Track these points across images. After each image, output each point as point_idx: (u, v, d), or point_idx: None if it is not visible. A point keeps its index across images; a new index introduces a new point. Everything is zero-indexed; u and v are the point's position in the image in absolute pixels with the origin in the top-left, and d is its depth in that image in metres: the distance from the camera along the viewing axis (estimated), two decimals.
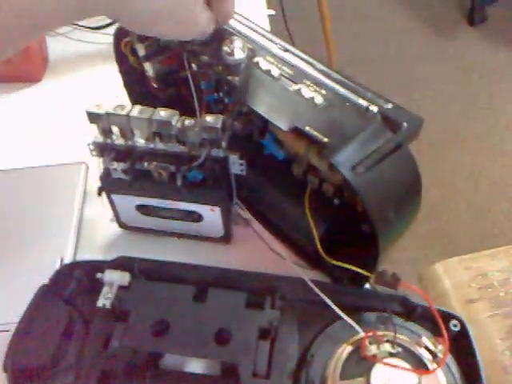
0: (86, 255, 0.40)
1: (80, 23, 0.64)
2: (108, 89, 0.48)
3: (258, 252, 0.39)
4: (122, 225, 0.42)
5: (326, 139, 0.29)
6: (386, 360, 0.29)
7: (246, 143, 0.38)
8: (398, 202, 0.30)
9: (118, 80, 0.45)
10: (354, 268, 0.32)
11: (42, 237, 0.40)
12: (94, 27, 0.64)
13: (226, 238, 0.40)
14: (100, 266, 0.35)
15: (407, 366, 0.29)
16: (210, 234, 0.40)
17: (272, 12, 0.67)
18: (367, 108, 0.31)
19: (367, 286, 0.34)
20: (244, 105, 0.35)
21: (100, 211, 0.42)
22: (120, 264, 0.35)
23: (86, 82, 0.57)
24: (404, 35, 1.57)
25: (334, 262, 0.33)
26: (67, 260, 0.39)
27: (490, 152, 1.28)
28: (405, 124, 0.31)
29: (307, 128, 0.30)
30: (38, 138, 0.51)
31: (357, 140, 0.29)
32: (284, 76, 0.33)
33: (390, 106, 0.32)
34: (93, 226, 0.43)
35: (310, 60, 0.35)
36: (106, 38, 0.61)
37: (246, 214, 0.41)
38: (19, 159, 0.47)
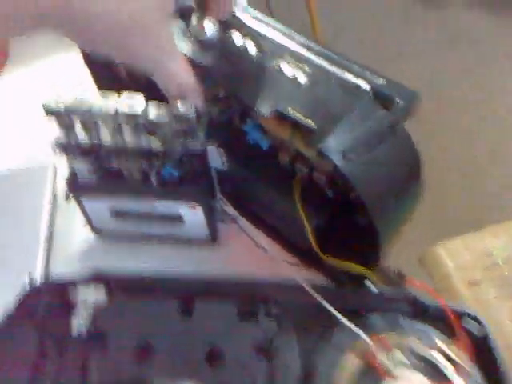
0: (58, 268, 0.37)
1: None
2: (74, 77, 0.44)
3: (248, 251, 0.36)
4: (95, 230, 0.38)
5: (311, 122, 0.26)
6: (397, 373, 0.26)
7: (225, 132, 0.34)
8: (397, 189, 0.27)
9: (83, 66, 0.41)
10: (352, 266, 0.28)
11: (7, 251, 0.37)
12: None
13: (212, 239, 0.37)
14: (72, 282, 0.32)
15: (421, 377, 0.25)
16: (193, 235, 0.37)
17: None
18: (357, 85, 0.27)
19: (369, 284, 0.30)
20: (219, 88, 0.31)
21: (72, 217, 0.38)
22: (95, 279, 0.32)
23: (52, 73, 0.52)
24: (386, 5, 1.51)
25: (331, 260, 0.30)
26: (37, 275, 0.35)
27: (484, 121, 1.24)
28: (398, 100, 0.27)
29: (290, 110, 0.26)
30: None
31: (346, 121, 0.26)
32: (262, 52, 0.29)
33: (382, 81, 0.28)
34: (65, 234, 0.39)
35: (289, 32, 0.31)
36: None
37: (232, 211, 0.37)
38: None
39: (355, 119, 0.26)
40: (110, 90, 0.30)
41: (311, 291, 0.30)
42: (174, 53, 0.27)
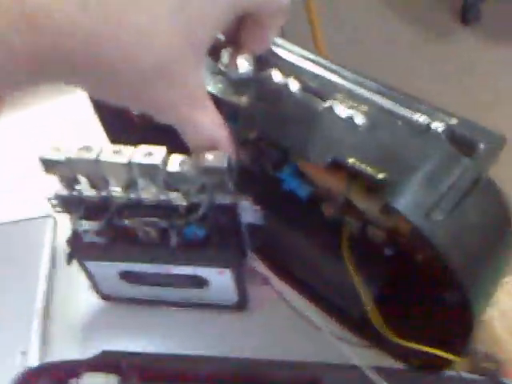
0: (57, 344, 0.31)
1: None
2: (80, 120, 0.39)
3: (285, 321, 0.30)
4: (103, 296, 0.32)
5: (380, 175, 0.21)
6: None
7: (257, 181, 0.29)
8: (491, 254, 0.21)
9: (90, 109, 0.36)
10: (433, 351, 0.22)
11: None
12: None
13: (241, 305, 0.31)
14: (76, 366, 0.26)
15: None
16: (218, 301, 0.31)
17: None
18: (428, 126, 0.22)
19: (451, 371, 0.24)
20: (251, 130, 0.26)
21: (75, 278, 0.32)
22: (103, 362, 0.26)
23: (52, 114, 0.48)
24: (395, 39, 1.50)
25: (400, 342, 0.24)
26: (32, 355, 0.29)
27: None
28: (481, 145, 0.22)
29: (351, 160, 0.21)
30: None
31: (423, 173, 0.21)
32: (307, 91, 0.24)
33: (454, 121, 0.23)
34: (66, 299, 0.33)
35: (336, 67, 0.26)
36: None
37: (264, 270, 0.31)
38: None
39: (434, 170, 0.21)
40: (124, 143, 0.25)
41: (373, 375, 0.24)
42: (204, 102, 0.22)
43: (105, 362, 0.26)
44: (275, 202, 0.29)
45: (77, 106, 0.37)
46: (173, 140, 0.26)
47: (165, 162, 0.24)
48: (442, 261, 0.19)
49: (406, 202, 0.20)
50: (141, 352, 0.27)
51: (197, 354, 0.27)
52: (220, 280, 0.29)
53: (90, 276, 0.31)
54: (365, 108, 0.23)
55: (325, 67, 0.27)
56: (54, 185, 0.27)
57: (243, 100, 0.25)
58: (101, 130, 0.38)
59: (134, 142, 0.25)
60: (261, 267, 0.32)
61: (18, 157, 0.43)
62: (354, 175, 0.23)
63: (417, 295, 0.25)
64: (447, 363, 0.23)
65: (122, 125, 0.36)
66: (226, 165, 0.24)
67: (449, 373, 0.24)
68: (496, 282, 0.22)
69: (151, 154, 0.24)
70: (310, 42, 1.10)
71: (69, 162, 0.25)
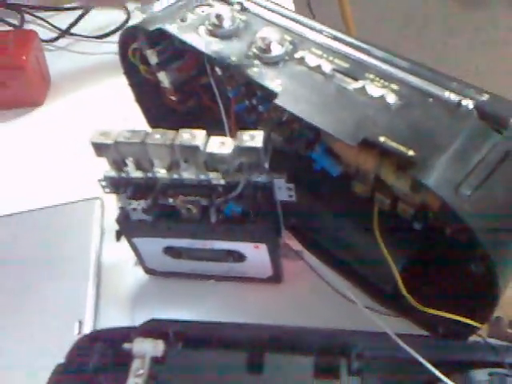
0: (109, 314, 0.33)
1: (81, 33, 0.58)
2: (120, 106, 0.42)
3: (318, 293, 0.32)
4: (148, 271, 0.35)
5: (410, 152, 0.22)
6: None
7: (290, 160, 0.31)
8: None
9: (130, 95, 0.38)
10: (458, 318, 0.24)
11: (53, 297, 0.34)
12: (96, 36, 0.57)
13: (276, 278, 0.33)
14: (127, 333, 0.28)
15: None
16: (255, 274, 0.33)
17: None
18: (459, 103, 0.23)
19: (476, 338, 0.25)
20: (284, 112, 0.27)
21: (122, 254, 0.35)
22: (151, 329, 0.28)
23: (94, 101, 0.50)
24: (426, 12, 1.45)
25: (426, 310, 0.25)
26: (87, 324, 0.32)
27: None
28: (511, 120, 0.23)
29: (382, 139, 0.22)
30: (40, 173, 0.44)
31: (453, 149, 0.22)
32: (339, 71, 0.25)
33: (485, 97, 0.24)
34: (115, 274, 0.36)
35: (366, 47, 0.27)
36: (112, 47, 0.54)
37: (298, 246, 0.33)
38: (18, 201, 0.41)
39: (463, 146, 0.21)
40: (164, 129, 0.27)
41: (400, 342, 0.26)
42: None
43: (153, 329, 0.28)
44: (308, 181, 0.31)
45: (119, 92, 0.39)
46: (209, 125, 0.28)
47: (204, 144, 0.26)
48: (470, 233, 0.20)
49: (435, 178, 0.21)
50: (185, 320, 0.30)
51: (235, 322, 0.29)
52: (256, 254, 0.31)
53: (136, 252, 0.33)
54: (396, 87, 0.24)
55: (356, 47, 0.27)
56: (101, 168, 0.29)
57: (277, 83, 0.26)
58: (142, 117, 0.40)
59: (174, 128, 0.27)
60: (295, 243, 0.33)
61: (63, 139, 0.46)
62: (384, 153, 0.24)
63: (444, 267, 0.26)
64: (472, 330, 0.24)
65: (162, 111, 0.38)
66: (261, 145, 0.25)
67: (474, 339, 0.25)
68: None
69: (192, 136, 0.26)
70: (340, 22, 1.08)
71: (117, 146, 0.27)
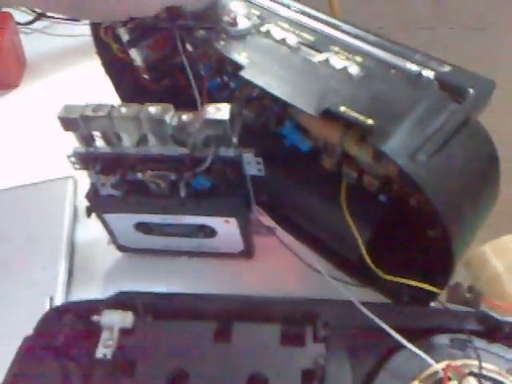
0: (81, 288, 0.34)
1: (56, 15, 0.57)
2: (95, 88, 0.41)
3: (288, 266, 0.32)
4: (120, 248, 0.35)
5: (369, 121, 0.22)
6: None
7: (260, 135, 0.31)
8: (473, 194, 0.23)
9: (105, 76, 0.38)
10: (419, 285, 0.24)
11: (26, 274, 0.34)
12: (73, 18, 0.56)
13: (247, 253, 0.33)
14: (96, 305, 0.28)
15: None
16: (226, 249, 0.33)
17: None
18: (419, 74, 0.24)
19: (436, 304, 0.26)
20: (255, 87, 0.27)
21: (96, 233, 0.35)
22: (120, 301, 0.29)
23: (70, 83, 0.50)
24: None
25: (389, 278, 0.26)
26: (58, 300, 0.32)
27: None
28: (471, 90, 0.23)
29: (343, 109, 0.23)
30: (14, 154, 0.44)
31: (411, 118, 0.22)
32: (304, 44, 0.26)
33: (447, 68, 0.24)
34: (87, 251, 0.36)
35: (334, 21, 0.27)
36: (88, 29, 0.54)
37: (268, 221, 0.33)
38: None
39: (422, 115, 0.22)
40: (134, 102, 0.27)
41: (365, 309, 0.26)
42: None
43: (122, 301, 0.29)
44: (278, 157, 0.31)
45: (95, 74, 0.39)
46: (184, 105, 0.28)
47: (171, 117, 0.26)
48: (425, 199, 0.21)
49: (392, 145, 0.21)
50: (153, 292, 0.30)
51: (205, 293, 0.29)
52: (227, 229, 0.31)
53: (107, 229, 0.33)
54: (360, 59, 0.25)
55: (324, 22, 0.28)
56: (72, 146, 0.29)
57: (243, 56, 0.26)
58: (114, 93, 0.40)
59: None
60: (266, 219, 0.34)
61: (38, 120, 0.46)
62: (347, 125, 0.24)
63: (405, 235, 0.27)
64: (432, 297, 0.25)
65: (137, 92, 0.38)
66: (227, 117, 0.25)
67: (434, 305, 0.26)
68: (478, 221, 0.23)
69: (158, 109, 0.26)
70: (325, 3, 1.08)
71: (84, 120, 0.27)
